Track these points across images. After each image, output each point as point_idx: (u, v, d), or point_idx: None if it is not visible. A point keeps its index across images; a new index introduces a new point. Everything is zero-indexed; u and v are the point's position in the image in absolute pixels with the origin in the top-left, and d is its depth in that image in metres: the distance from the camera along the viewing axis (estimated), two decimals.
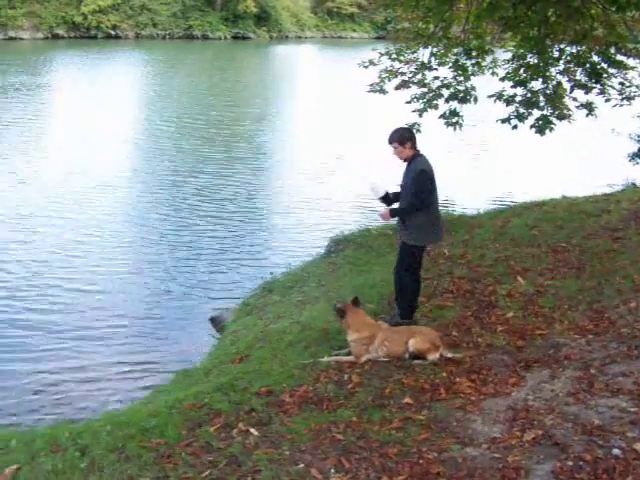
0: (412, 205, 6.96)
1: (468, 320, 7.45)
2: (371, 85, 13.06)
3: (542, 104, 12.55)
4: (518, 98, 12.72)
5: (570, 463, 4.56)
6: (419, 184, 6.90)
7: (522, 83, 12.67)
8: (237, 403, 5.71)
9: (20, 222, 15.33)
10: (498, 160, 23.97)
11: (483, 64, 13.07)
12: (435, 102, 12.73)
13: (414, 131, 7.19)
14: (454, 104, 12.81)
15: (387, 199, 7.26)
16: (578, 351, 6.40)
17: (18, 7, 75.21)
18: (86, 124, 28.41)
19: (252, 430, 5.26)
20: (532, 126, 12.67)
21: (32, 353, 9.72)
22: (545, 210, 12.55)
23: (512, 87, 12.81)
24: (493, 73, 13.27)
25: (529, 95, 12.65)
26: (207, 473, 4.70)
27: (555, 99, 12.35)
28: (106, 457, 4.98)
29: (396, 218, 7.30)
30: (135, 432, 5.31)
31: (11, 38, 73.42)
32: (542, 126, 12.45)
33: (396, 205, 7.27)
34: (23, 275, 12.34)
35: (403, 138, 7.02)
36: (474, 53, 12.85)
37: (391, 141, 7.07)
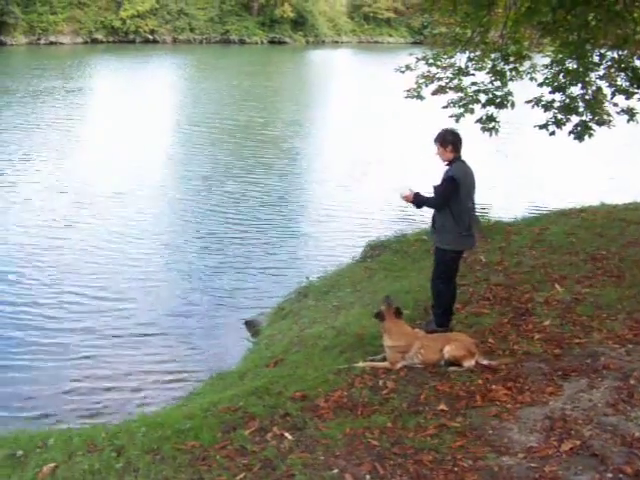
0: (432, 201, 7.03)
1: (504, 327, 7.37)
2: (408, 90, 13.04)
3: (581, 110, 12.40)
4: (556, 104, 12.60)
5: (609, 475, 4.49)
6: (443, 188, 6.91)
7: (561, 89, 12.54)
8: (272, 407, 5.72)
9: (52, 226, 15.57)
10: (535, 166, 23.71)
11: (521, 69, 12.96)
12: (471, 106, 12.67)
13: (459, 135, 7.09)
14: (491, 109, 12.74)
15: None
16: (617, 361, 6.29)
17: (59, 12, 76.60)
18: (120, 128, 28.84)
19: (286, 434, 5.26)
20: (571, 132, 12.53)
21: (70, 356, 9.87)
22: (583, 217, 12.39)
23: (550, 93, 12.69)
24: (531, 78, 13.15)
25: (568, 101, 12.52)
26: (241, 476, 4.71)
27: (595, 105, 12.20)
28: (142, 458, 5.02)
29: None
30: (170, 434, 5.35)
31: (52, 43, 74.83)
32: (581, 132, 12.31)
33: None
34: (58, 280, 12.48)
35: (445, 140, 7.00)
36: (512, 58, 12.75)
37: (435, 140, 7.10)
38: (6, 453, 5.33)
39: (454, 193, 6.84)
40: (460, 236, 6.98)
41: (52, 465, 5.02)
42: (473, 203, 7.12)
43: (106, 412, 8.35)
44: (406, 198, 7.06)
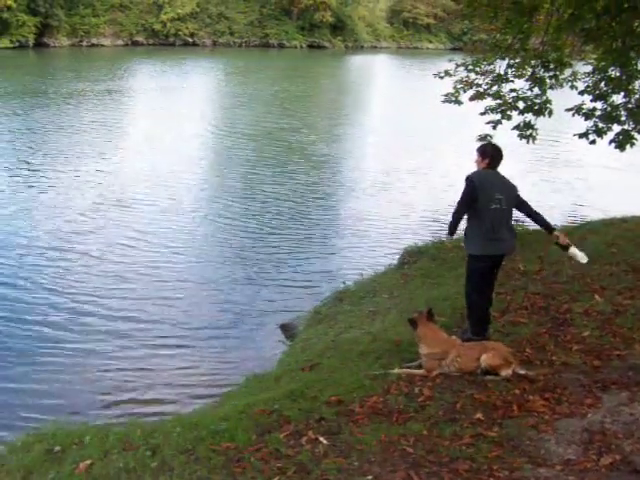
0: (453, 213, 7.04)
1: (542, 337, 7.27)
2: (446, 95, 13.02)
3: (623, 119, 12.24)
4: (598, 112, 12.46)
5: None
6: (461, 194, 6.94)
7: (602, 97, 12.40)
8: (307, 411, 5.70)
9: (92, 229, 15.75)
10: (576, 175, 23.44)
11: (561, 77, 12.84)
12: (509, 113, 12.59)
13: (501, 153, 7.12)
14: (528, 116, 12.65)
15: None
16: None
17: (101, 15, 77.92)
18: (156, 130, 29.15)
19: (321, 439, 5.25)
20: (612, 141, 12.38)
21: (106, 356, 9.99)
22: (625, 227, 12.17)
23: (592, 101, 12.55)
24: (572, 86, 13.02)
25: (609, 109, 12.37)
26: (275, 479, 4.71)
27: (638, 113, 12.04)
28: (176, 458, 5.03)
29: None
30: (205, 435, 5.36)
31: (93, 45, 76.13)
32: (622, 141, 12.17)
33: None
34: (96, 285, 12.59)
35: (485, 152, 7.09)
36: (552, 65, 12.64)
37: (477, 149, 7.21)
38: (44, 448, 5.40)
39: (474, 197, 6.81)
40: (486, 240, 6.90)
41: (88, 462, 5.06)
42: (506, 207, 7.03)
43: (141, 411, 8.42)
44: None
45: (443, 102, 13.14)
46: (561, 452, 4.99)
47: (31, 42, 69.99)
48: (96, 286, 12.42)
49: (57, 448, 5.37)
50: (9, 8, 66.75)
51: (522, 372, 6.28)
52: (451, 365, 6.42)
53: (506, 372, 6.24)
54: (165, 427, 5.69)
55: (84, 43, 76.75)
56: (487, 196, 6.86)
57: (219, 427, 5.46)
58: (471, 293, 7.12)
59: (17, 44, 68.65)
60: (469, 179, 6.88)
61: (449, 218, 7.14)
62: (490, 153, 7.05)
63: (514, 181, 7.17)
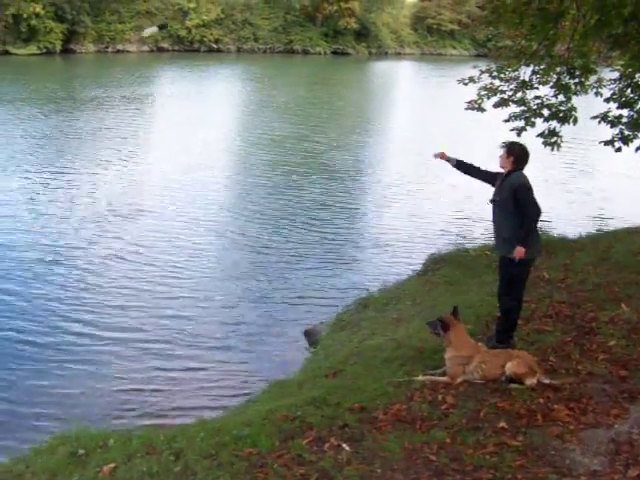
0: (527, 225, 6.85)
1: (567, 346, 7.21)
2: (469, 102, 12.95)
3: None
4: (624, 120, 12.34)
5: None
6: (520, 200, 6.81)
7: (629, 104, 12.28)
8: (330, 417, 5.70)
9: (118, 232, 15.86)
10: (601, 182, 23.23)
11: (587, 83, 12.74)
12: (533, 120, 12.51)
13: (528, 153, 7.10)
14: (553, 123, 12.56)
15: (461, 164, 7.59)
16: None
17: (127, 22, 78.61)
18: (183, 135, 29.31)
19: (344, 445, 5.25)
20: (638, 148, 12.25)
21: (130, 360, 10.04)
22: None
23: (618, 108, 12.43)
24: (597, 93, 12.91)
25: (636, 116, 12.25)
26: None
27: None
28: (200, 463, 5.06)
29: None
30: (228, 440, 5.37)
31: (119, 51, 76.79)
32: None
33: None
34: (118, 288, 12.65)
35: (511, 150, 7.05)
36: (578, 72, 12.54)
37: (503, 146, 7.15)
38: (69, 451, 5.45)
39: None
40: (533, 243, 6.91)
41: (112, 465, 5.11)
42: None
43: (165, 416, 8.46)
44: (520, 254, 6.86)
45: (466, 109, 13.08)
46: (587, 463, 4.94)
47: (58, 48, 70.73)
48: (119, 292, 12.49)
49: (81, 451, 5.42)
50: (37, 15, 67.57)
51: (547, 381, 6.23)
52: (475, 371, 6.38)
53: (531, 381, 6.19)
54: (188, 432, 5.72)
55: (110, 49, 77.48)
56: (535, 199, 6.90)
57: (242, 432, 5.47)
58: (510, 300, 7.08)
59: (44, 50, 69.45)
60: (526, 187, 6.86)
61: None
62: (516, 153, 7.02)
63: (535, 187, 7.11)
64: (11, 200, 18.09)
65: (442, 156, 7.62)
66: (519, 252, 6.79)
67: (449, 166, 7.73)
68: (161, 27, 68.68)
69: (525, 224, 6.83)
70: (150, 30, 66.95)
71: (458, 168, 7.67)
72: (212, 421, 6.24)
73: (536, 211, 6.84)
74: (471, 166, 7.64)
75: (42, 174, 21.03)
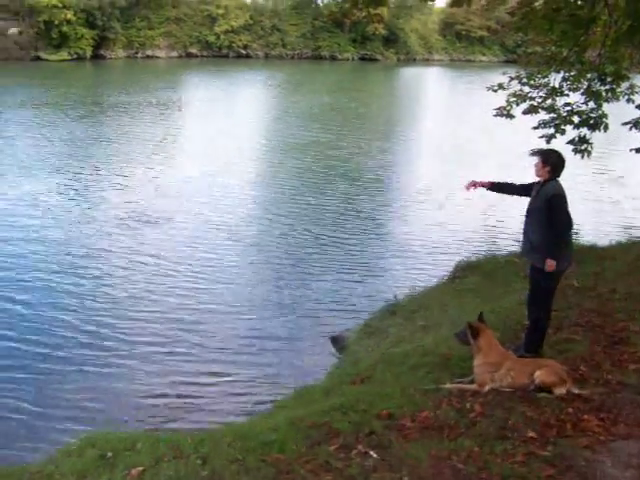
0: (555, 242, 6.77)
1: (597, 355, 7.11)
2: (498, 109, 12.89)
3: None
4: None
5: None
6: (553, 210, 6.73)
7: None
8: (357, 424, 5.68)
9: (139, 239, 15.99)
10: (631, 191, 22.98)
11: (618, 90, 12.62)
12: (563, 127, 12.41)
13: (564, 160, 6.99)
14: (583, 130, 12.44)
15: (494, 186, 7.46)
16: None
17: (156, 28, 79.44)
18: (207, 142, 29.59)
19: (371, 452, 5.22)
20: None
21: (157, 365, 10.18)
22: None
23: None
24: (629, 100, 12.79)
25: None
26: None
27: None
28: (227, 468, 5.06)
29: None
30: (255, 445, 5.37)
31: (148, 57, 77.65)
32: None
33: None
34: (141, 293, 12.82)
35: (548, 158, 6.90)
36: (609, 79, 12.43)
37: (539, 154, 7.00)
38: (97, 453, 5.49)
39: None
40: (563, 255, 6.83)
41: (140, 469, 5.13)
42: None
43: (191, 420, 8.52)
44: (550, 267, 6.79)
45: (495, 116, 13.02)
46: (617, 475, 4.87)
47: (88, 54, 71.70)
48: (143, 299, 12.65)
49: (109, 454, 5.46)
50: (69, 22, 68.52)
51: (576, 391, 6.15)
52: (504, 379, 6.31)
53: (560, 391, 6.12)
54: (215, 436, 5.73)
55: (139, 55, 78.39)
56: (568, 210, 6.82)
57: (269, 438, 5.47)
58: (540, 310, 7.02)
59: (75, 56, 70.40)
60: (561, 196, 6.76)
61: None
62: (553, 161, 6.87)
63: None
64: (36, 203, 18.45)
65: (474, 185, 7.46)
66: (550, 265, 6.73)
67: (483, 190, 7.60)
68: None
69: (556, 234, 6.76)
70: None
71: (492, 190, 7.55)
72: (239, 426, 6.26)
73: (568, 221, 6.77)
74: (505, 184, 7.53)
75: (64, 178, 21.40)
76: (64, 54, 69.80)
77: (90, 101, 39.88)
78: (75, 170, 22.68)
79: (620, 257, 11.34)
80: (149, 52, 79.37)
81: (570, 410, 5.85)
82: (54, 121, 32.14)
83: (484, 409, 5.94)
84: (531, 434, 5.45)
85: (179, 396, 9.31)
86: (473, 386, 6.40)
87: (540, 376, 6.18)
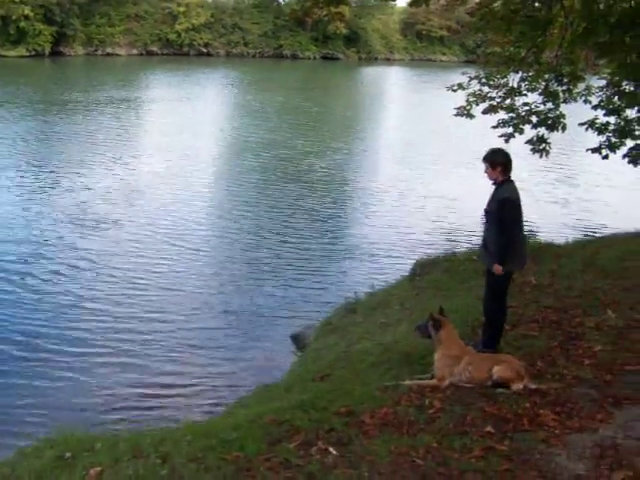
0: (503, 245, 6.82)
1: (554, 351, 7.23)
2: (458, 109, 13.02)
3: (637, 133, 12.22)
4: (611, 127, 12.43)
5: None
6: (503, 214, 6.79)
7: (616, 111, 12.38)
8: (317, 421, 5.69)
9: (108, 232, 15.95)
10: (588, 189, 23.40)
11: (575, 91, 12.83)
12: (521, 127, 12.58)
13: (510, 156, 6.99)
14: (542, 130, 12.63)
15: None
16: None
17: (117, 25, 78.59)
18: (170, 138, 29.38)
19: (331, 449, 5.23)
20: (625, 155, 12.35)
21: (116, 365, 10.08)
22: (638, 242, 12.11)
23: (605, 115, 12.52)
24: (585, 100, 13.01)
25: (623, 124, 12.35)
26: None
27: None
28: (186, 466, 5.03)
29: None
30: (215, 443, 5.35)
31: (108, 54, 76.77)
32: (636, 156, 12.15)
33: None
34: (106, 291, 12.72)
35: (495, 161, 6.90)
36: (566, 79, 12.63)
37: (484, 160, 6.99)
38: (55, 454, 5.42)
39: (515, 217, 6.79)
40: (514, 257, 6.92)
41: (99, 469, 5.06)
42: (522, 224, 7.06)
43: (151, 420, 8.43)
44: (496, 270, 6.87)
45: (455, 115, 13.15)
46: (572, 467, 4.96)
47: (47, 51, 70.67)
48: (102, 295, 12.56)
49: (68, 454, 5.39)
50: (26, 17, 67.46)
51: (533, 386, 6.24)
52: (462, 373, 6.38)
53: (517, 386, 6.20)
54: (175, 435, 5.70)
55: (99, 52, 77.44)
56: (520, 212, 6.87)
57: (229, 436, 5.45)
58: (498, 309, 7.10)
59: (33, 53, 69.33)
60: (509, 200, 6.76)
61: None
62: (501, 161, 6.89)
63: (523, 194, 7.13)
64: None
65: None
66: (497, 269, 6.84)
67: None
68: None
69: (505, 237, 6.82)
70: None
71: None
72: (199, 425, 6.23)
73: (514, 225, 6.81)
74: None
75: (7, 178, 20.91)
76: (22, 50, 68.73)
77: (46, 98, 39.35)
78: (21, 169, 22.27)
79: (576, 254, 11.53)
80: (109, 49, 78.46)
81: (527, 405, 5.94)
82: (7, 119, 31.56)
83: (443, 405, 5.99)
84: (489, 429, 5.51)
85: (138, 397, 9.23)
86: (432, 381, 6.46)
87: (498, 372, 6.25)
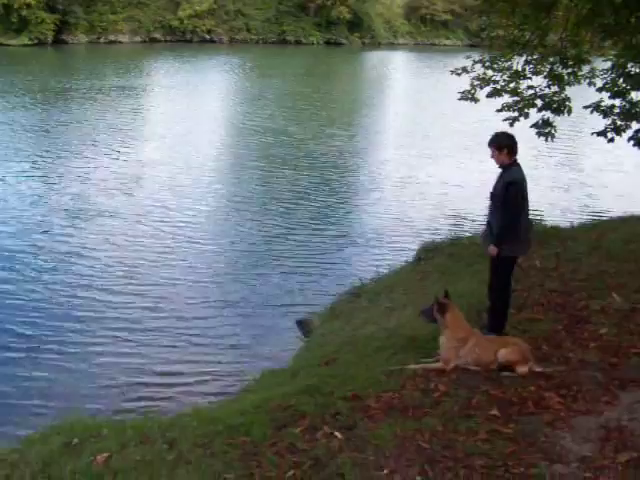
0: (503, 226, 6.82)
1: (559, 334, 7.25)
2: (462, 93, 12.96)
3: None
4: (616, 110, 12.34)
5: None
6: (512, 197, 6.78)
7: (621, 94, 12.28)
8: (323, 406, 5.71)
9: (104, 225, 15.89)
10: (594, 172, 23.32)
11: (580, 74, 12.73)
12: (526, 110, 12.50)
13: (515, 139, 6.98)
14: (547, 113, 12.55)
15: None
16: None
17: (119, 12, 78.31)
18: (168, 126, 29.38)
19: (337, 433, 5.26)
20: (630, 138, 12.27)
21: (125, 351, 10.12)
22: None
23: (610, 98, 12.43)
24: (590, 83, 12.91)
25: (628, 106, 12.26)
26: (291, 474, 4.72)
27: None
28: (193, 451, 5.07)
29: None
30: (222, 429, 5.39)
31: (111, 42, 76.55)
32: None
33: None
34: (112, 279, 12.73)
35: (501, 144, 6.90)
36: (571, 62, 12.53)
37: (490, 144, 6.98)
38: (63, 441, 5.45)
39: (521, 201, 6.78)
40: (518, 242, 6.91)
41: (106, 454, 5.10)
42: (528, 208, 7.05)
43: (159, 406, 8.47)
44: (493, 253, 6.91)
45: (459, 99, 13.10)
46: (577, 449, 4.97)
47: (49, 39, 70.46)
48: (111, 283, 12.57)
49: (75, 440, 5.42)
50: (28, 5, 67.21)
51: (538, 369, 6.25)
52: (469, 355, 6.38)
53: (522, 369, 6.21)
54: (182, 421, 5.73)
55: (102, 40, 77.17)
56: (525, 196, 6.86)
57: (235, 422, 5.49)
58: (503, 294, 7.11)
59: (36, 41, 69.12)
60: (515, 183, 6.77)
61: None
62: (506, 143, 6.89)
63: (529, 179, 7.11)
64: None
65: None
66: (491, 250, 6.87)
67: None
68: None
69: (508, 220, 6.81)
70: None
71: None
72: (206, 410, 6.25)
73: (518, 209, 6.80)
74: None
75: (6, 169, 20.82)
76: (25, 39, 68.51)
77: (49, 87, 39.18)
78: (24, 159, 22.16)
79: (581, 238, 11.50)
80: (112, 37, 78.18)
81: (532, 388, 5.96)
82: (6, 107, 31.56)
83: (448, 389, 6.01)
84: (494, 412, 5.54)
85: (146, 383, 9.26)
86: (438, 364, 6.47)
87: (505, 354, 6.27)
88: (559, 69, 12.53)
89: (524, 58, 12.64)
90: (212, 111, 35.35)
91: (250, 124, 30.67)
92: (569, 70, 12.55)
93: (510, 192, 6.77)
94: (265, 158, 23.97)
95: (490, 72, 12.76)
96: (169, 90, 41.51)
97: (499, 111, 12.81)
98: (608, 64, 12.60)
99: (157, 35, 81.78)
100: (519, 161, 7.00)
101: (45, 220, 16.09)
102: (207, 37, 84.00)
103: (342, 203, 18.58)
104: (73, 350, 10.05)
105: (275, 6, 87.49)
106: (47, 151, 23.31)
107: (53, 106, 33.05)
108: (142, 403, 8.63)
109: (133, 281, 12.60)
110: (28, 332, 10.55)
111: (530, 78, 12.73)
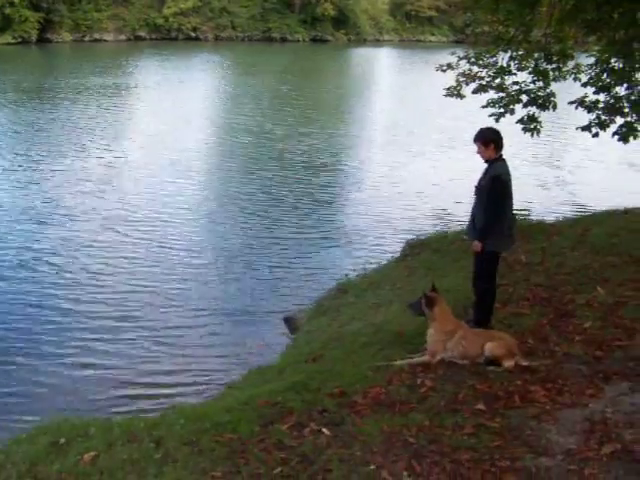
0: (487, 221, 6.86)
1: (544, 328, 7.29)
2: (448, 89, 12.98)
3: (626, 110, 12.19)
4: (601, 104, 12.40)
5: None
6: (495, 192, 6.82)
7: (605, 89, 12.33)
8: (310, 402, 5.73)
9: (100, 221, 15.83)
10: (578, 167, 23.45)
11: (564, 69, 12.78)
12: (512, 106, 12.55)
13: (500, 134, 7.03)
14: (532, 109, 12.60)
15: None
16: None
17: (104, 10, 77.90)
18: (159, 124, 29.24)
19: (324, 429, 5.28)
20: (615, 133, 12.33)
21: (111, 350, 10.05)
22: (627, 219, 12.17)
23: (595, 93, 12.48)
24: (575, 78, 12.96)
25: (612, 101, 12.31)
26: (278, 470, 4.74)
27: None
28: (180, 449, 5.08)
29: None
30: (209, 426, 5.40)
31: (96, 40, 76.14)
32: (626, 133, 12.08)
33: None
34: (97, 278, 12.65)
35: (486, 139, 6.95)
36: (555, 58, 12.58)
37: (475, 140, 7.03)
38: (49, 440, 5.44)
39: (504, 195, 6.82)
40: (502, 237, 6.95)
41: (93, 454, 5.10)
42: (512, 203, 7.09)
43: (145, 404, 8.47)
44: (477, 248, 6.96)
45: (445, 96, 13.12)
46: (562, 442, 5.01)
47: (34, 38, 69.99)
48: (99, 282, 12.50)
49: (62, 440, 5.41)
50: (12, 4, 66.76)
51: (524, 363, 6.29)
52: (456, 348, 6.42)
53: (509, 363, 6.25)
54: (168, 419, 5.73)
55: (86, 38, 76.76)
56: (510, 191, 6.90)
57: (222, 419, 5.50)
58: (488, 288, 7.15)
59: (20, 40, 68.66)
60: (500, 178, 6.81)
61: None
62: (492, 138, 6.94)
63: (514, 174, 7.16)
64: None
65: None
66: (475, 246, 6.94)
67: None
68: None
69: (491, 215, 6.85)
70: None
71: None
72: (192, 408, 6.24)
73: (501, 205, 6.84)
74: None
75: (18, 166, 20.82)
76: (8, 37, 68.03)
77: (32, 86, 38.90)
78: (10, 157, 22.05)
79: (566, 232, 11.56)
80: (97, 35, 77.76)
81: (518, 382, 6.00)
82: (5, 106, 31.36)
83: (434, 384, 6.04)
84: (480, 406, 5.57)
85: (132, 382, 9.23)
86: (424, 357, 6.50)
87: (491, 348, 6.31)
88: (544, 65, 12.56)
89: (509, 54, 12.66)
90: (194, 110, 35.15)
91: (231, 123, 30.60)
92: (554, 66, 12.59)
93: (495, 186, 6.81)
94: (245, 157, 23.90)
95: (475, 68, 12.79)
96: (150, 89, 41.28)
97: (484, 107, 12.83)
98: (592, 59, 12.65)
99: (142, 33, 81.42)
100: (504, 156, 7.05)
101: (25, 220, 15.90)
102: (192, 35, 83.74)
103: (328, 200, 18.56)
104: (57, 353, 9.95)
105: (260, 3, 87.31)
106: (25, 151, 23.08)
107: (35, 106, 32.76)
108: (128, 402, 8.62)
109: (117, 282, 12.52)
110: (5, 334, 10.45)
111: (515, 74, 12.77)
